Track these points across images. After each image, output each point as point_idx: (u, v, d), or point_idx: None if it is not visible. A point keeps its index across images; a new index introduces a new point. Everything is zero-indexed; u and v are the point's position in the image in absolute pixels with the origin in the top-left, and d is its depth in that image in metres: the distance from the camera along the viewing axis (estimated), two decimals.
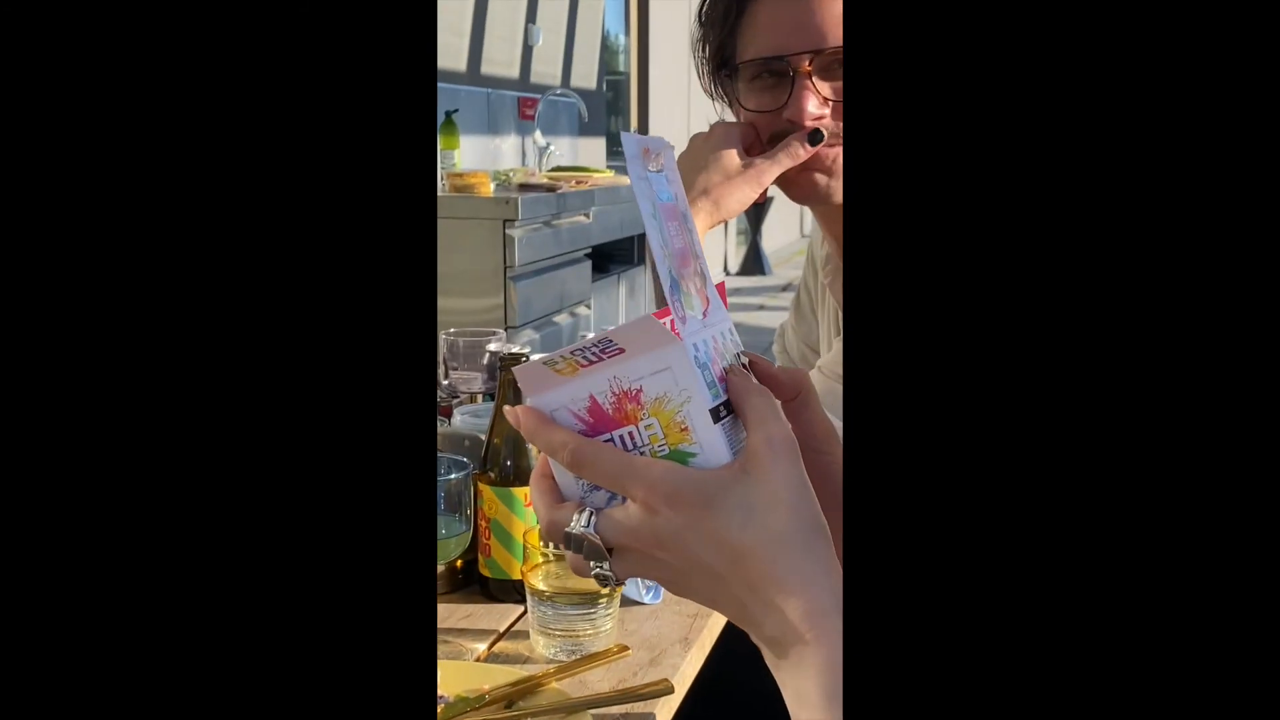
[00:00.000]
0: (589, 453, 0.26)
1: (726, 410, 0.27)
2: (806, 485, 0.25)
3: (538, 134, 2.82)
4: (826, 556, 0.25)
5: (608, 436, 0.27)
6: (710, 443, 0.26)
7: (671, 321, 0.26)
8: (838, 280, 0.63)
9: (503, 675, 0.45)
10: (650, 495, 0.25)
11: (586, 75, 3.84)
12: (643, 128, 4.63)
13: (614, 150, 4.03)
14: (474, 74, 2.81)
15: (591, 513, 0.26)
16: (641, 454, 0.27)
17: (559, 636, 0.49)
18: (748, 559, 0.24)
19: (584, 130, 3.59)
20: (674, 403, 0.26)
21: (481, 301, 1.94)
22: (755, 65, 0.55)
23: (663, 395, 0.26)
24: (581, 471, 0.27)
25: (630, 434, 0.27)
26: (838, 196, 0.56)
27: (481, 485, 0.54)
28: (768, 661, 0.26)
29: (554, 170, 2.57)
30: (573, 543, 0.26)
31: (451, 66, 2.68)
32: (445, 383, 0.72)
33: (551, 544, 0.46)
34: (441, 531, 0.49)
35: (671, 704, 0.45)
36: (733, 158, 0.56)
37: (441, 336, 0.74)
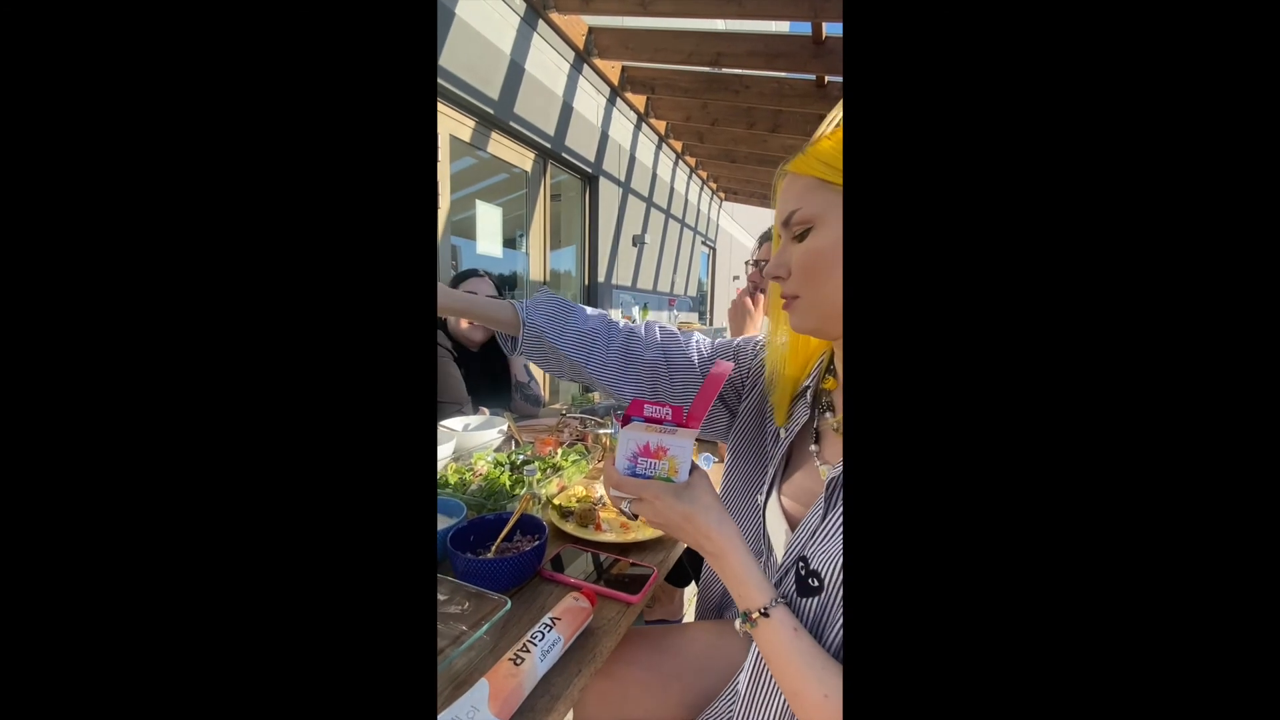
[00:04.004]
0: (624, 483, 0.57)
1: (689, 470, 0.59)
2: (714, 492, 0.58)
3: None
4: (724, 517, 0.56)
5: (646, 460, 0.56)
6: (681, 478, 0.57)
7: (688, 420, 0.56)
8: None
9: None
10: (654, 496, 0.57)
11: None
12: None
13: None
14: None
15: (629, 504, 0.57)
16: (650, 475, 0.56)
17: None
18: (694, 518, 0.55)
19: None
20: (675, 459, 0.56)
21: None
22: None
23: (673, 454, 0.56)
24: (623, 489, 0.57)
25: (653, 463, 0.57)
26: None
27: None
28: (705, 559, 0.57)
29: None
30: (624, 511, 0.60)
31: None
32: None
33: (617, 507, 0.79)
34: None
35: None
36: None
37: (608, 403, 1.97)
